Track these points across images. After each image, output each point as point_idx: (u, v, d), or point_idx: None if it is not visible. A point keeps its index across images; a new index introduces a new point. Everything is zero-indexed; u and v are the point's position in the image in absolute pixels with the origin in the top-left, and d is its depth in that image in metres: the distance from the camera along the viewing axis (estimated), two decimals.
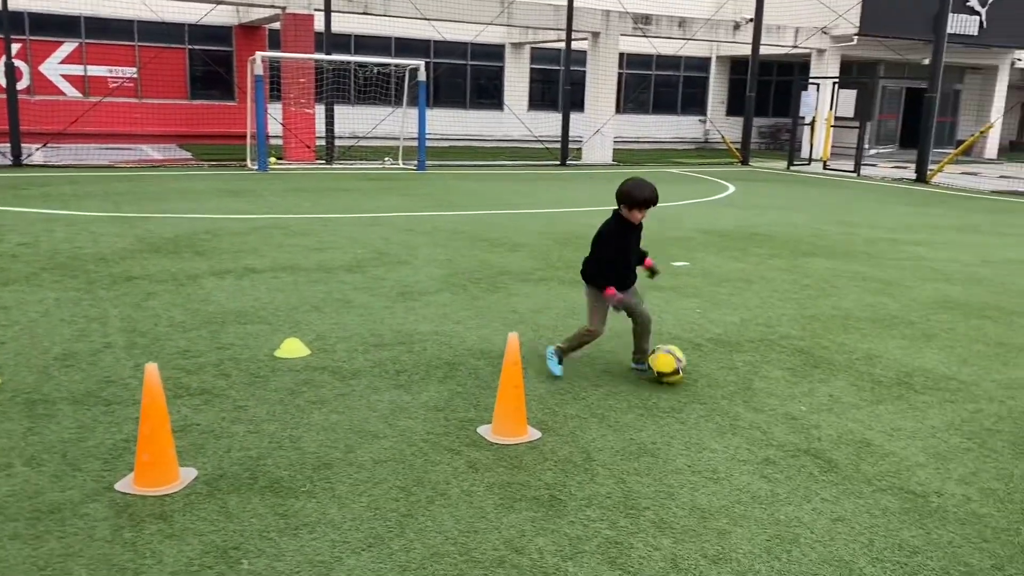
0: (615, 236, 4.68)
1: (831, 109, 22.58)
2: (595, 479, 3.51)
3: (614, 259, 4.67)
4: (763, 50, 22.69)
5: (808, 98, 22.91)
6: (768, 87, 29.77)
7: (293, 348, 5.03)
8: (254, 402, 4.26)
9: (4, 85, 15.87)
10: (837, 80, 23.24)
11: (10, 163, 15.62)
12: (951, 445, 4.00)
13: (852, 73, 27.79)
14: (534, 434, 3.95)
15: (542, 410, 4.27)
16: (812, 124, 23.53)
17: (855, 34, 24.46)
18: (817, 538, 3.09)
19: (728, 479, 3.56)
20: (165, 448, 3.33)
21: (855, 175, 20.10)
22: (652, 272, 4.95)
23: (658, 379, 4.68)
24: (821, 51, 25.53)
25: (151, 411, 3.28)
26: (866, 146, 22.69)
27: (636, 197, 4.56)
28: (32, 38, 20.41)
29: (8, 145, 15.78)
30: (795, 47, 24.86)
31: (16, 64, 19.43)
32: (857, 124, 21.14)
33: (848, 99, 22.80)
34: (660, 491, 3.43)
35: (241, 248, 8.26)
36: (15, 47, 16.50)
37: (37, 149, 16.65)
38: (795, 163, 22.16)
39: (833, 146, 23.25)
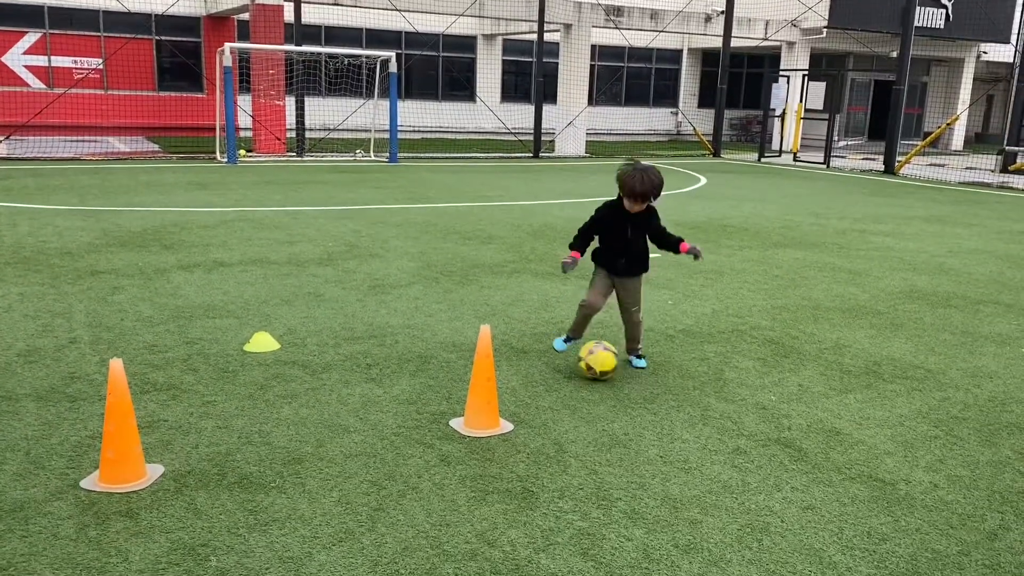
0: (602, 215, 4.68)
1: (801, 101, 22.78)
2: (567, 471, 3.51)
3: (588, 231, 4.71)
4: (734, 42, 22.81)
5: (779, 90, 23.08)
6: (739, 79, 29.94)
7: (263, 342, 4.97)
8: (223, 397, 4.20)
9: None
10: (807, 72, 23.43)
11: None
12: (918, 433, 4.05)
13: (821, 65, 28.04)
14: (506, 426, 3.94)
15: (515, 402, 4.26)
16: (782, 116, 23.72)
17: (824, 27, 24.67)
18: (788, 527, 3.12)
19: (699, 469, 3.58)
20: (131, 445, 3.27)
21: (825, 167, 20.30)
22: (694, 255, 4.87)
23: (597, 377, 4.55)
24: (791, 44, 25.72)
25: (116, 407, 3.22)
26: (835, 138, 22.92)
27: (624, 187, 4.53)
28: None
29: None
30: (765, 39, 25.02)
31: None
32: (826, 116, 21.34)
33: (817, 91, 23.01)
34: (632, 482, 3.43)
35: (210, 241, 8.16)
36: None
37: (0, 141, 16.31)
38: (766, 155, 22.33)
39: (803, 138, 23.46)
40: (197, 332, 5.24)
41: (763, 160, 21.90)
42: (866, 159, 22.53)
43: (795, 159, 21.83)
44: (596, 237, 4.78)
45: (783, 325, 5.88)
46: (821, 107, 22.74)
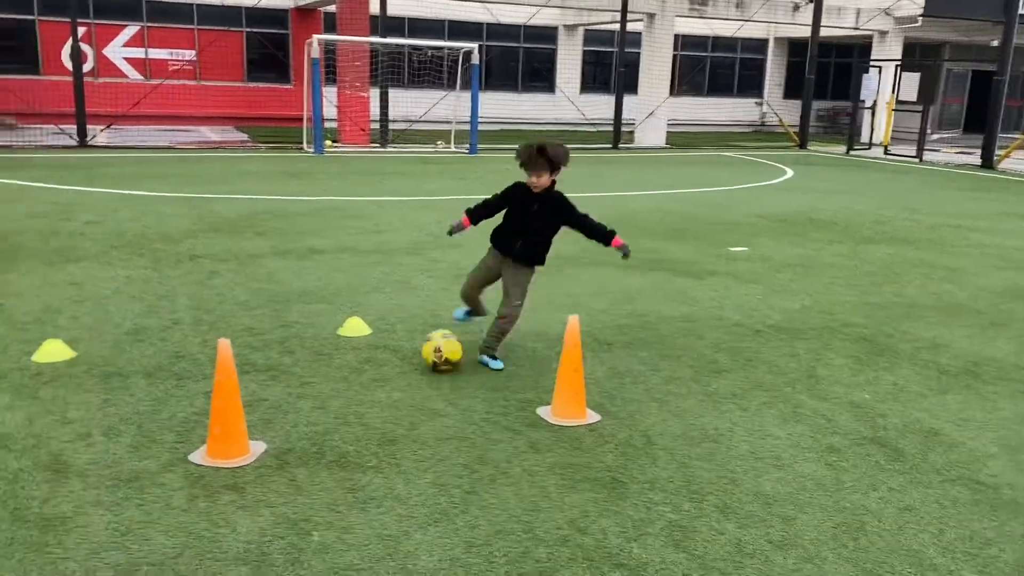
0: (510, 191, 4.56)
1: (893, 92, 22.00)
2: (657, 463, 3.51)
3: (490, 203, 4.65)
4: (823, 31, 22.17)
5: (870, 81, 22.34)
6: (827, 69, 29.07)
7: (356, 327, 5.11)
8: (319, 379, 4.34)
9: (71, 68, 16.28)
10: (900, 63, 22.61)
11: (76, 144, 16.06)
12: (1023, 437, 3.90)
13: (915, 55, 27.00)
14: (593, 417, 3.96)
15: (600, 393, 4.27)
16: (873, 108, 22.96)
17: (920, 15, 23.73)
18: (885, 527, 3.05)
19: (792, 466, 3.53)
20: (236, 422, 3.42)
21: (917, 160, 19.58)
22: (623, 254, 4.65)
23: (441, 364, 4.41)
24: (883, 33, 24.84)
25: (223, 386, 3.37)
26: (928, 131, 22.07)
27: (519, 155, 4.37)
28: (96, 22, 20.87)
29: (75, 126, 16.21)
30: (856, 29, 24.22)
31: (81, 47, 19.94)
32: (920, 108, 20.57)
33: (911, 82, 22.17)
34: (723, 476, 3.41)
35: (301, 229, 8.39)
36: (80, 30, 16.90)
37: (101, 130, 17.08)
38: (855, 147, 21.66)
39: (894, 130, 22.66)
40: (293, 316, 5.41)
41: (852, 153, 21.26)
42: (961, 153, 21.62)
43: (886, 152, 21.12)
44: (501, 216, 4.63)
45: (876, 322, 5.73)
46: (915, 98, 21.92)
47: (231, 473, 3.30)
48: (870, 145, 22.40)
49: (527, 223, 4.52)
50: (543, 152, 4.32)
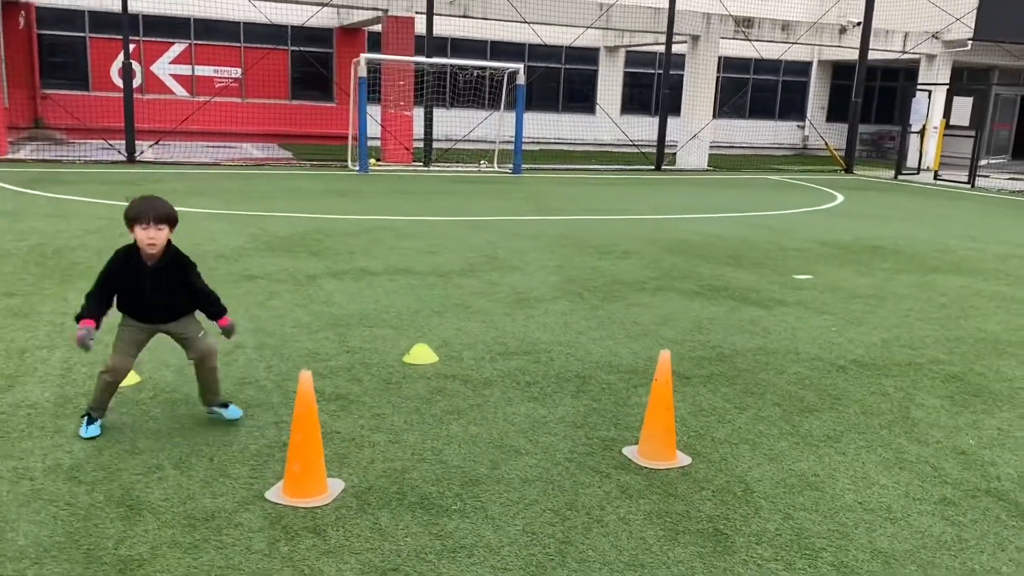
0: (113, 267, 3.61)
1: (942, 117, 21.56)
2: (760, 513, 3.28)
3: (100, 290, 3.61)
4: (869, 55, 21.83)
5: (919, 105, 21.93)
6: (872, 93, 28.66)
7: (422, 354, 4.93)
8: (390, 409, 4.16)
9: (120, 84, 16.44)
10: (950, 87, 22.17)
11: (124, 159, 16.18)
12: None
13: (963, 79, 26.52)
14: (684, 459, 3.74)
15: (687, 433, 4.05)
16: (921, 132, 22.52)
17: (969, 39, 23.31)
18: None
19: (906, 519, 3.28)
20: (316, 459, 3.24)
21: (969, 186, 19.12)
22: (226, 336, 3.90)
23: None
24: (931, 57, 24.42)
25: (304, 420, 3.20)
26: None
27: (128, 213, 3.56)
28: (145, 39, 21.14)
29: (123, 142, 16.34)
30: (904, 52, 23.85)
31: (131, 64, 20.19)
32: (971, 133, 20.12)
33: (963, 107, 21.73)
34: (833, 530, 3.17)
35: (354, 249, 8.27)
36: (130, 47, 17.10)
37: (149, 146, 17.21)
38: (903, 172, 21.24)
39: (942, 156, 22.19)
40: (356, 341, 5.25)
41: (900, 177, 20.84)
42: (1012, 179, 21.10)
43: (936, 177, 20.67)
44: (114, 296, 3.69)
45: (964, 359, 5.44)
46: (967, 123, 21.46)
47: (311, 514, 3.12)
48: (918, 170, 21.94)
49: (147, 300, 3.67)
50: (150, 217, 3.54)
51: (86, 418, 3.71)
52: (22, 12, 19.57)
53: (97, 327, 3.54)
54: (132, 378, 4.36)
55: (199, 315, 3.88)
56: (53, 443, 3.61)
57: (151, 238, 3.55)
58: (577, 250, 8.78)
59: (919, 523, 3.25)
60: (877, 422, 4.28)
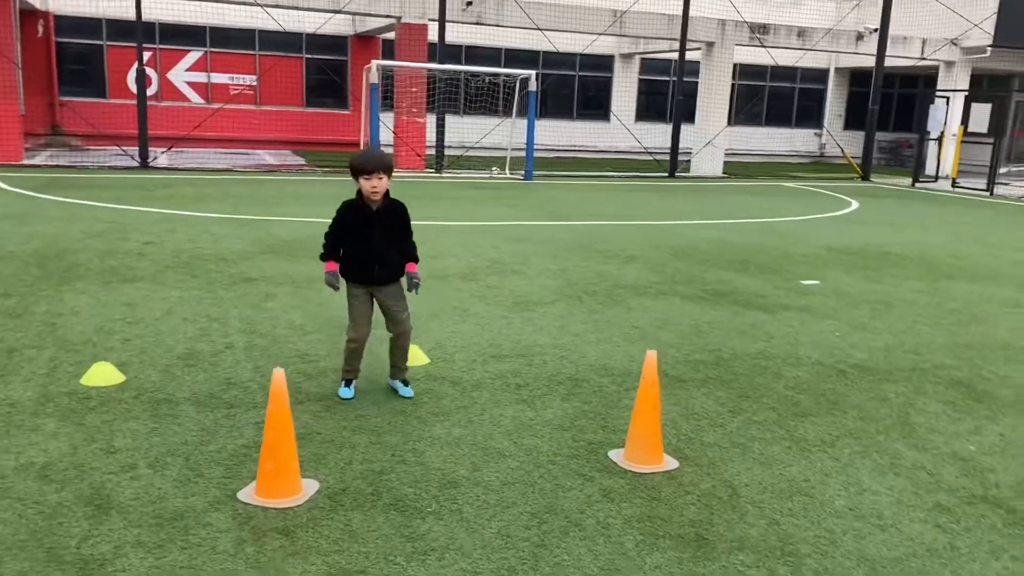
0: (344, 214, 4.10)
1: (961, 124, 21.29)
2: (745, 518, 3.18)
3: (333, 234, 4.12)
4: (887, 62, 21.62)
5: (937, 112, 21.67)
6: (890, 100, 28.38)
7: (413, 356, 4.84)
8: (374, 411, 4.10)
9: (135, 91, 16.57)
10: (968, 93, 21.91)
11: (137, 165, 16.28)
12: None
13: (982, 86, 26.20)
14: (671, 463, 3.64)
15: (676, 437, 3.95)
16: (939, 140, 22.25)
17: (989, 45, 23.03)
18: None
19: (897, 526, 3.16)
20: (289, 458, 3.18)
21: (988, 194, 18.85)
22: (408, 281, 4.22)
23: None
24: (950, 63, 24.15)
25: (276, 419, 3.14)
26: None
27: (353, 166, 3.99)
28: (161, 47, 21.32)
29: (136, 148, 16.45)
30: (922, 59, 23.60)
31: (146, 71, 20.37)
32: (990, 140, 19.85)
33: (982, 114, 21.44)
34: (820, 536, 3.06)
35: None
36: (146, 55, 17.24)
37: (163, 152, 17.32)
38: (920, 179, 20.98)
39: (960, 163, 21.90)
40: None
41: (917, 185, 20.58)
42: None
43: (954, 185, 20.40)
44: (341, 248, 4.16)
45: (970, 365, 5.30)
46: (986, 131, 21.17)
47: (281, 514, 3.06)
48: (936, 177, 21.67)
49: (373, 245, 4.10)
50: (380, 167, 4.01)
51: (343, 382, 4.25)
52: (41, 21, 19.79)
53: (337, 267, 4.11)
54: (116, 377, 4.33)
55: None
56: (28, 441, 3.57)
57: (374, 186, 3.98)
58: (581, 255, 8.69)
59: (910, 530, 3.14)
60: (875, 427, 4.17)
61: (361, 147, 17.48)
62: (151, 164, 16.45)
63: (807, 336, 5.83)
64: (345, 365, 4.27)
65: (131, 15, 16.41)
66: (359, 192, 4.05)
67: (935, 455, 3.85)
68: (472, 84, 20.75)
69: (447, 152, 19.07)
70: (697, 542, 2.99)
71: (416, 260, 4.25)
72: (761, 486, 3.45)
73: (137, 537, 2.85)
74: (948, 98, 22.06)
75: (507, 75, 19.22)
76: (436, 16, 17.86)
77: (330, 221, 4.15)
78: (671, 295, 6.97)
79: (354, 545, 2.87)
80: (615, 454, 3.70)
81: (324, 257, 4.15)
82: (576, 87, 25.74)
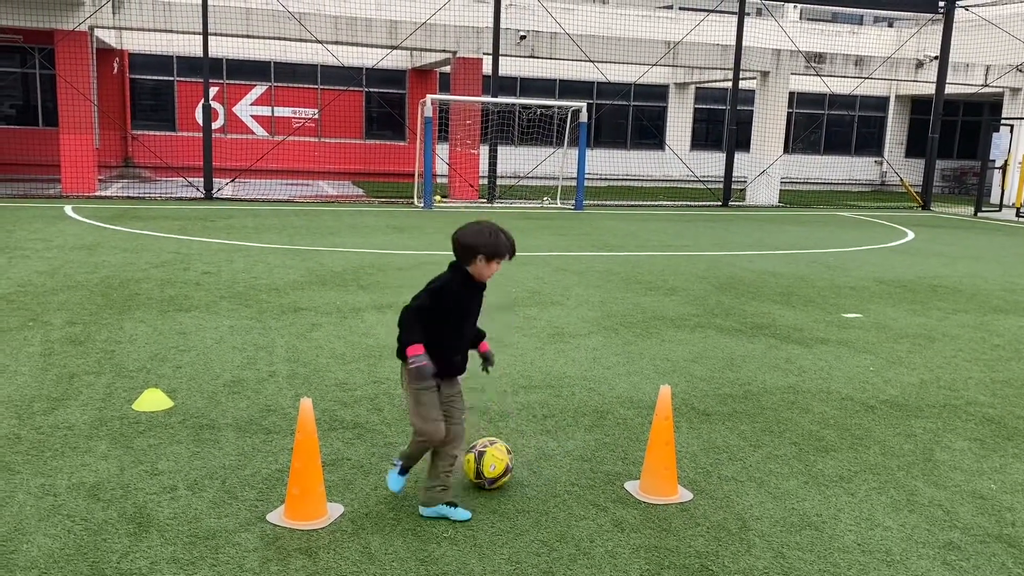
0: (454, 290, 3.40)
1: None
2: (751, 551, 3.25)
3: (429, 313, 3.37)
4: (949, 89, 21.26)
5: (1000, 140, 21.18)
6: (953, 128, 27.83)
7: None
8: (404, 439, 4.27)
9: (202, 124, 17.32)
10: None
11: (202, 196, 16.97)
12: None
13: None
14: (685, 495, 3.73)
15: (695, 469, 4.04)
16: (1004, 168, 21.72)
17: None
18: None
19: (904, 563, 3.20)
20: (314, 483, 3.38)
21: None
22: (486, 361, 3.65)
23: (484, 485, 3.66)
24: (1015, 90, 23.61)
25: (303, 446, 3.35)
26: None
27: (487, 247, 3.34)
28: (228, 82, 22.23)
29: (201, 179, 17.17)
30: (986, 86, 23.12)
31: (214, 105, 21.24)
32: None
33: None
34: (824, 571, 3.12)
35: (403, 283, 8.49)
36: (213, 90, 18.05)
37: (227, 184, 18.02)
38: (983, 209, 20.49)
39: None
40: (385, 372, 5.41)
41: (980, 215, 20.10)
42: None
43: (1018, 215, 19.87)
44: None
45: (1005, 402, 5.24)
46: None
47: (306, 536, 3.25)
48: (1000, 207, 21.14)
49: (467, 329, 3.54)
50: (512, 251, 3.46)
51: (400, 467, 3.56)
52: (116, 59, 20.86)
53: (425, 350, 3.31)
54: (165, 403, 4.61)
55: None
56: (81, 462, 3.85)
57: (497, 270, 3.43)
58: (623, 286, 8.80)
59: (917, 567, 3.17)
60: (896, 463, 4.18)
61: (416, 178, 17.92)
62: (215, 195, 17.13)
63: (840, 371, 5.84)
64: (410, 458, 3.58)
65: (200, 52, 17.19)
66: (458, 270, 3.43)
67: (953, 492, 3.85)
68: (525, 115, 21.07)
69: (500, 182, 19.40)
70: (702, 572, 3.08)
71: (484, 336, 3.67)
72: (772, 520, 3.52)
73: (172, 554, 3.08)
74: (1012, 125, 21.56)
75: (559, 107, 19.50)
76: (491, 50, 18.28)
77: (417, 292, 3.46)
78: (708, 328, 7.03)
79: (371, 567, 3.05)
80: (631, 485, 3.81)
81: (413, 341, 3.32)
82: (630, 116, 25.90)
